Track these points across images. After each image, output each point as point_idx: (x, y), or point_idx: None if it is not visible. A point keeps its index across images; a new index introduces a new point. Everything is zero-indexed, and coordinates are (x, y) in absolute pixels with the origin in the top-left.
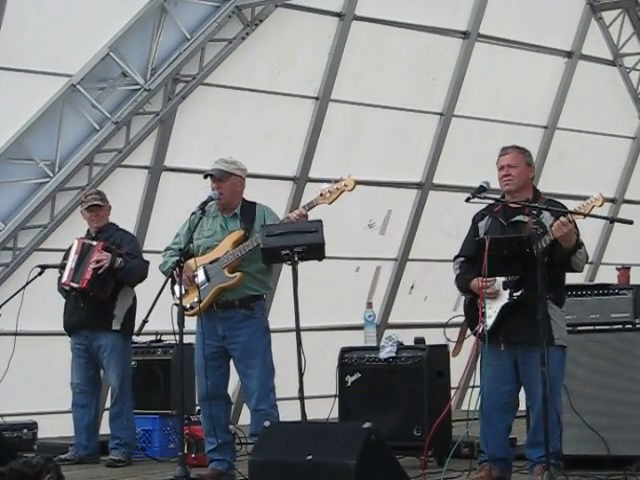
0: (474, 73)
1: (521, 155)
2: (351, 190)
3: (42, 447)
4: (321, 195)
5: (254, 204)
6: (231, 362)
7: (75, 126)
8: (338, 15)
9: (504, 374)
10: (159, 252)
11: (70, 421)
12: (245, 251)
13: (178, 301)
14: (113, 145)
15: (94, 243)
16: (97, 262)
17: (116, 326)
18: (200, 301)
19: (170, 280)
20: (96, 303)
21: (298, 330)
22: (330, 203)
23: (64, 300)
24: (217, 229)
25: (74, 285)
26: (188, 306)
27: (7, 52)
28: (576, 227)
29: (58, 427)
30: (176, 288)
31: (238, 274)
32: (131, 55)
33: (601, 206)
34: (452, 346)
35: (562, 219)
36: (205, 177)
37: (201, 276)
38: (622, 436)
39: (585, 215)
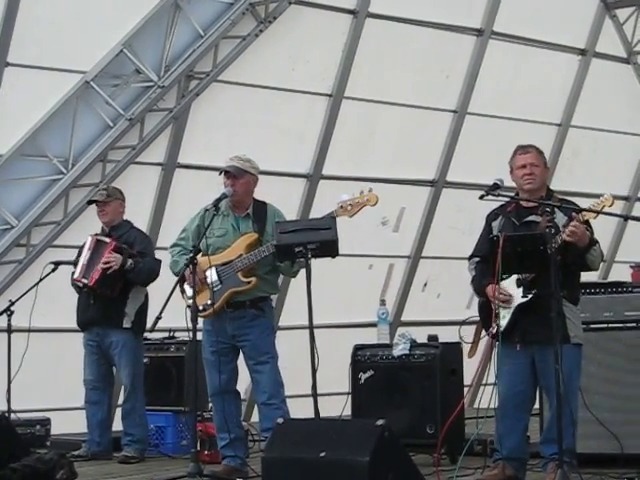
0: (488, 71)
1: (540, 155)
2: (373, 205)
3: (55, 443)
4: (342, 208)
5: (265, 205)
6: (240, 359)
7: (89, 123)
8: (352, 12)
9: (520, 374)
10: None
11: (83, 417)
12: (261, 256)
13: (190, 301)
14: (127, 142)
15: (107, 240)
16: (106, 263)
17: (127, 324)
18: (213, 303)
19: (179, 279)
20: (107, 300)
21: (311, 327)
22: (351, 217)
23: (77, 296)
24: (229, 229)
25: (85, 281)
26: (200, 307)
27: (21, 49)
28: (590, 226)
29: (71, 423)
30: (186, 287)
31: (253, 279)
32: (145, 52)
33: (611, 206)
34: (467, 347)
35: (571, 227)
36: (220, 174)
37: (213, 276)
38: (636, 434)
39: (597, 213)
